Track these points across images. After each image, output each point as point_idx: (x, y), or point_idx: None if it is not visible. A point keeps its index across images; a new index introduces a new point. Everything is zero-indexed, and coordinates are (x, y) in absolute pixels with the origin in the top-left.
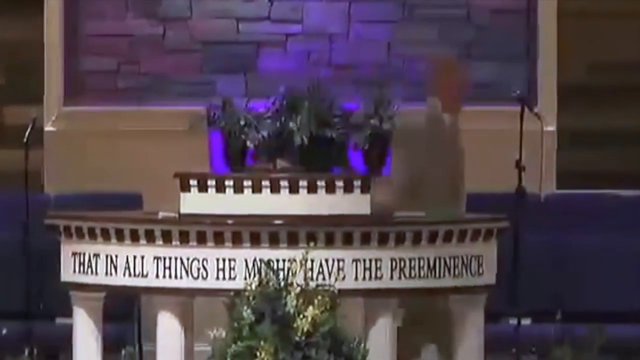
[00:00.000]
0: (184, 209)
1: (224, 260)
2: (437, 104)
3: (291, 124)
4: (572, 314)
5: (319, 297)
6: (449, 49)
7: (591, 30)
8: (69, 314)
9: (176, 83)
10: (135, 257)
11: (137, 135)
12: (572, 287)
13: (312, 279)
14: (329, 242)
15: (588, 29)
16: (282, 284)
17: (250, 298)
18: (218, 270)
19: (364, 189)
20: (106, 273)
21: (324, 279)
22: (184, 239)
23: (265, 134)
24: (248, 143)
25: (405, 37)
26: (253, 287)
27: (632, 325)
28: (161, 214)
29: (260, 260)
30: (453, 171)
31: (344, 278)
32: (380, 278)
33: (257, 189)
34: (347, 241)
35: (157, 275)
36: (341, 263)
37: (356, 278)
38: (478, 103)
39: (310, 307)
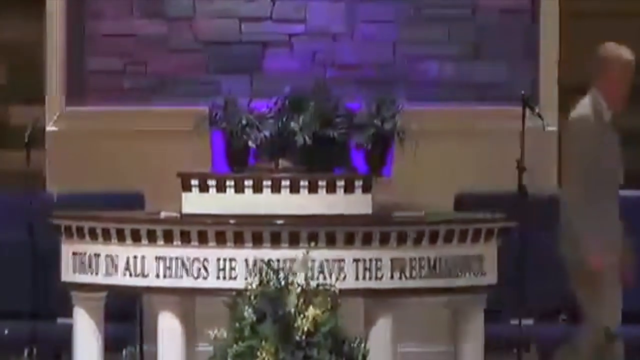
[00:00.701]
0: (185, 209)
1: (224, 260)
2: (601, 101)
3: (293, 124)
4: (576, 314)
5: (320, 297)
6: (454, 48)
7: (593, 30)
8: (71, 314)
9: (180, 83)
10: (136, 257)
11: (140, 135)
12: None
13: (312, 278)
14: (330, 242)
15: (590, 29)
16: (283, 283)
17: (251, 298)
18: (219, 270)
19: (366, 189)
20: (107, 273)
21: (325, 278)
22: (185, 238)
23: (267, 133)
24: (250, 143)
25: (410, 37)
26: (254, 286)
27: (635, 326)
28: (163, 214)
29: (261, 260)
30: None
31: (344, 278)
32: (381, 278)
33: (258, 188)
34: (348, 241)
35: (158, 275)
36: (342, 263)
37: (357, 278)
38: (481, 103)
39: (311, 307)
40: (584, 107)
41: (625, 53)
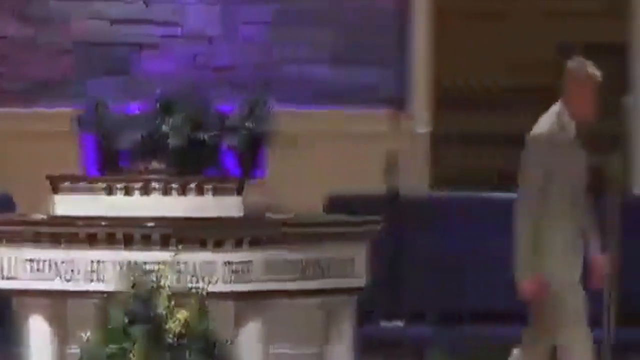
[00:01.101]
0: (55, 211)
1: (96, 262)
2: (563, 111)
3: (164, 127)
4: (446, 316)
5: (190, 300)
6: (329, 50)
7: (467, 30)
8: None
9: (52, 85)
10: (5, 259)
11: (9, 137)
12: (447, 289)
13: (181, 281)
14: (201, 244)
15: (464, 29)
16: (154, 285)
17: (123, 300)
18: (90, 272)
19: (237, 191)
20: None
21: (197, 281)
22: (55, 240)
23: (138, 136)
24: (121, 145)
25: (286, 39)
26: (125, 289)
27: (510, 325)
28: (34, 216)
29: (132, 262)
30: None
31: (216, 281)
32: (252, 281)
33: (129, 191)
34: (218, 244)
35: (28, 278)
36: (212, 265)
37: (227, 281)
38: (354, 105)
39: (182, 309)
40: (545, 121)
41: (588, 67)
